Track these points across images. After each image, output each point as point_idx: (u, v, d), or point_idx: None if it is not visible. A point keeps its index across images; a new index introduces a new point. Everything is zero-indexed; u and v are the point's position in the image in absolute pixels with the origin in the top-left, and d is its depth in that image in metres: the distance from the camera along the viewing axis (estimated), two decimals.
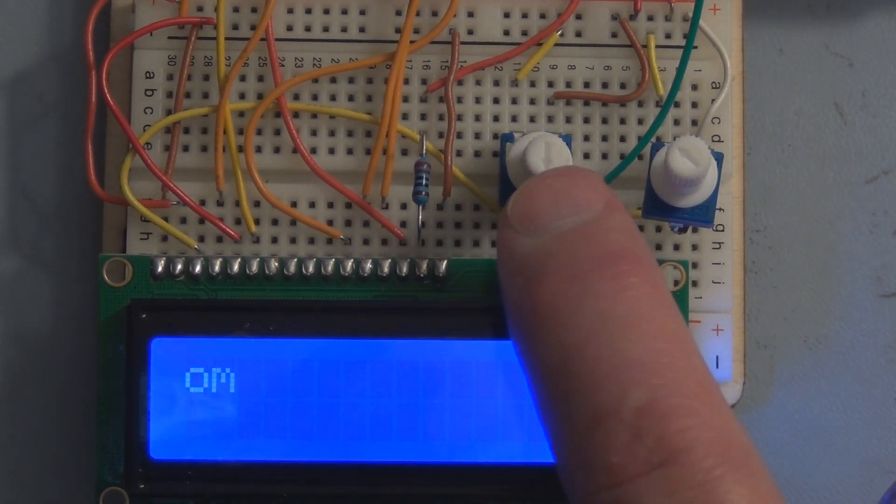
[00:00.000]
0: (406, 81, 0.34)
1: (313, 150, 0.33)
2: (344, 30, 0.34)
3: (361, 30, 0.34)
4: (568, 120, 0.34)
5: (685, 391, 0.26)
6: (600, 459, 0.26)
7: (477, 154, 0.34)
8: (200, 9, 0.34)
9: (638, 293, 0.27)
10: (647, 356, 0.26)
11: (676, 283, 0.32)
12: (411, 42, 0.33)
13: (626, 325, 0.27)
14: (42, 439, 0.35)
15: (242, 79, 0.34)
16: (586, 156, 0.34)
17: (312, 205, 0.34)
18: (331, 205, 0.34)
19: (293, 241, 0.33)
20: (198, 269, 0.32)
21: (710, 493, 0.25)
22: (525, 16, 0.34)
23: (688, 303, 0.32)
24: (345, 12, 0.34)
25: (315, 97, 0.34)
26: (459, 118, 0.34)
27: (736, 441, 0.26)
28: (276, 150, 0.34)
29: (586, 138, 0.34)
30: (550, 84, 0.34)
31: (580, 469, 0.26)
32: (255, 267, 0.32)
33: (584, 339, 0.27)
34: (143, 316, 0.31)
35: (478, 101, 0.34)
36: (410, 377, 0.31)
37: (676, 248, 0.34)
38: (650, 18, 0.34)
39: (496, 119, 0.34)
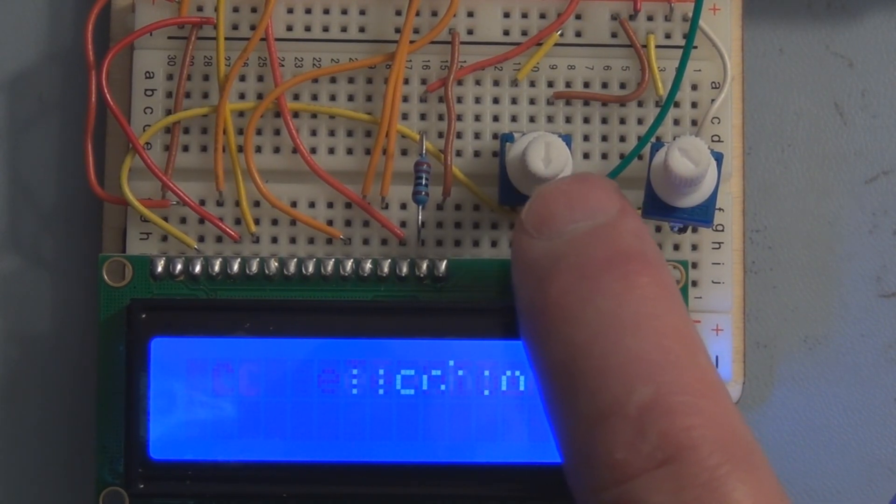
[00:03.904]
0: (406, 81, 0.34)
1: (313, 150, 0.33)
2: (344, 30, 0.34)
3: (361, 30, 0.34)
4: (568, 120, 0.34)
5: (691, 389, 0.26)
6: (605, 456, 0.26)
7: (477, 154, 0.34)
8: (200, 9, 0.34)
9: (646, 293, 0.27)
10: (653, 354, 0.26)
11: (676, 283, 0.32)
12: (411, 42, 0.33)
13: (633, 323, 0.27)
14: (42, 439, 0.35)
15: (242, 79, 0.34)
16: (586, 156, 0.34)
17: (312, 205, 0.34)
18: (331, 205, 0.34)
19: (293, 241, 0.33)
20: (198, 269, 0.32)
21: (715, 490, 0.25)
22: (525, 16, 0.34)
23: (688, 303, 0.32)
24: (345, 12, 0.34)
25: (315, 97, 0.34)
26: (459, 118, 0.34)
27: (741, 439, 0.26)
28: (276, 150, 0.34)
29: (586, 138, 0.34)
30: (550, 84, 0.34)
31: (585, 466, 0.26)
32: (254, 267, 0.32)
33: (591, 336, 0.27)
34: (143, 316, 0.31)
35: (478, 101, 0.34)
36: (410, 377, 0.31)
37: (676, 248, 0.33)
38: (650, 18, 0.34)
39: (496, 119, 0.34)
